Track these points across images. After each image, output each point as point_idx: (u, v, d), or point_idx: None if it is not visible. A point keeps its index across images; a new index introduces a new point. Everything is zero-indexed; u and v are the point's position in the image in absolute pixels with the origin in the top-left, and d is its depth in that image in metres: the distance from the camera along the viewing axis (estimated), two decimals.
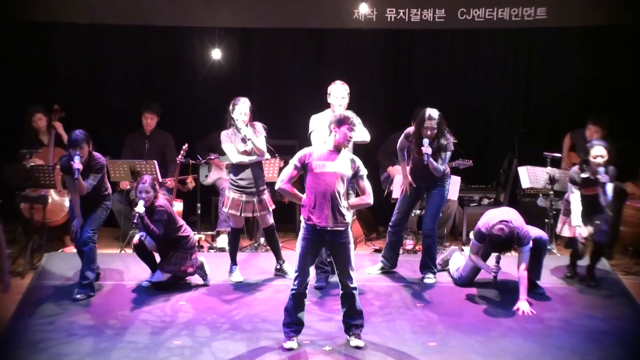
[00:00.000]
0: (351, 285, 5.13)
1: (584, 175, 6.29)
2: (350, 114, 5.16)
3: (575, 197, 6.30)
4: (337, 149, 5.07)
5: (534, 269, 6.14)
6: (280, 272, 6.62)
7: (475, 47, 8.63)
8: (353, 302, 5.18)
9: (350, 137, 5.08)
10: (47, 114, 7.58)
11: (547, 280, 6.50)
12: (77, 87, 8.46)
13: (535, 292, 6.18)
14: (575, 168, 6.39)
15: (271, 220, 6.53)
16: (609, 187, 6.19)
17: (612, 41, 8.31)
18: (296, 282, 5.11)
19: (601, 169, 6.17)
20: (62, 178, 7.41)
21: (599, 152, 6.21)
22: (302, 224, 5.12)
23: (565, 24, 8.24)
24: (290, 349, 5.10)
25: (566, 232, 6.49)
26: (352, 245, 5.13)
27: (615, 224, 7.10)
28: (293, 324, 5.17)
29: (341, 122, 5.05)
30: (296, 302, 5.14)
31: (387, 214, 6.90)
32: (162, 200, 6.18)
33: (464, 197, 7.97)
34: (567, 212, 6.44)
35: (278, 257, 6.62)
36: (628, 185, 7.50)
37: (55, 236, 7.53)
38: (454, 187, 7.19)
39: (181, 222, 6.35)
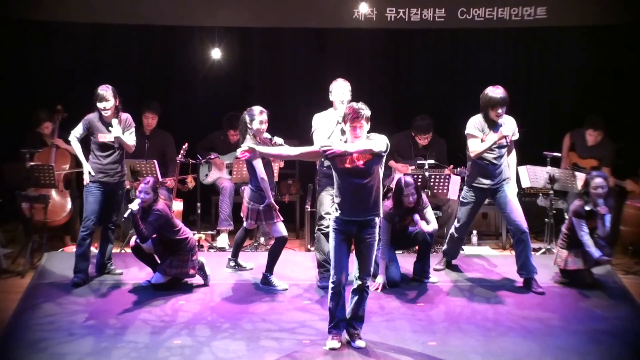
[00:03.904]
0: (367, 284, 5.13)
1: (587, 207, 6.31)
2: (355, 105, 4.92)
3: (584, 230, 6.28)
4: None
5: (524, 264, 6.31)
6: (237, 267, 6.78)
7: (475, 47, 8.63)
8: (362, 301, 5.14)
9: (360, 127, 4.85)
10: (53, 122, 7.55)
11: (547, 280, 6.51)
12: (77, 86, 8.46)
13: (535, 291, 6.22)
14: (578, 202, 6.39)
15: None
16: (608, 218, 6.25)
17: (612, 41, 8.31)
18: (334, 279, 5.05)
19: (600, 201, 6.22)
20: (64, 176, 7.45)
21: (599, 183, 6.25)
22: (332, 217, 5.07)
23: (565, 23, 8.25)
24: (333, 349, 5.04)
25: (572, 266, 6.38)
26: (376, 244, 5.10)
27: (615, 223, 7.09)
28: (339, 322, 5.13)
29: (344, 118, 4.96)
30: (336, 300, 5.08)
31: None
32: (161, 204, 6.15)
33: None
34: (569, 245, 6.40)
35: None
36: (627, 183, 7.51)
37: (55, 236, 7.55)
38: (454, 187, 7.20)
39: (180, 224, 6.29)
